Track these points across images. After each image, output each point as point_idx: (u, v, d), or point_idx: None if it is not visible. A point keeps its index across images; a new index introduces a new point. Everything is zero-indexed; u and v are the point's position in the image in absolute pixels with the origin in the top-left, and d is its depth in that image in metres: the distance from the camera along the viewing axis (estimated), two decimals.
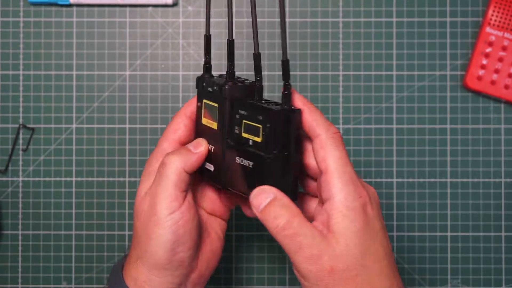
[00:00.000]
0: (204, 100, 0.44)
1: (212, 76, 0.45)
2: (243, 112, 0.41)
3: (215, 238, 0.47)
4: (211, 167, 0.44)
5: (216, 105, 0.43)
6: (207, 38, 0.44)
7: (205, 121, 0.44)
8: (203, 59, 0.47)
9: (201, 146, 0.44)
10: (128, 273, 0.44)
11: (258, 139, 0.40)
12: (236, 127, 0.42)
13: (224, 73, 0.43)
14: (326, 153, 0.40)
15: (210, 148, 0.44)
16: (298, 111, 0.41)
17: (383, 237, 0.40)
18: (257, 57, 0.40)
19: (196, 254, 0.44)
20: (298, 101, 0.41)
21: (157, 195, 0.42)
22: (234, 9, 0.57)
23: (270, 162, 0.40)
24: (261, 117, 0.40)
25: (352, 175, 0.39)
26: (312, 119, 0.41)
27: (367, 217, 0.39)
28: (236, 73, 0.43)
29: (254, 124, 0.41)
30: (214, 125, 0.44)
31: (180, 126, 0.45)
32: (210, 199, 0.48)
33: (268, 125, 0.39)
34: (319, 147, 0.40)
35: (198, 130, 0.45)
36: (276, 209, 0.39)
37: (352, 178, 0.39)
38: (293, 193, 0.41)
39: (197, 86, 0.45)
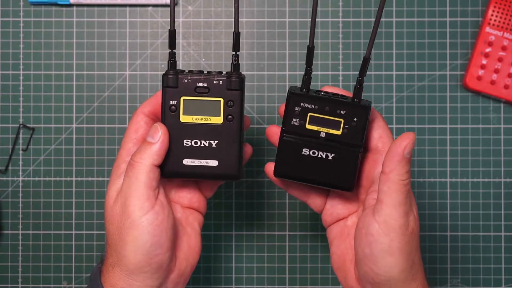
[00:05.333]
0: (184, 97, 0.44)
1: (177, 72, 0.44)
2: (309, 105, 0.43)
3: (192, 234, 0.46)
4: (212, 163, 0.44)
5: (218, 99, 0.43)
6: (172, 33, 0.43)
7: (189, 118, 0.44)
8: (203, 59, 0.47)
9: (158, 132, 0.43)
10: (107, 281, 0.43)
11: (338, 132, 0.43)
12: (295, 119, 0.43)
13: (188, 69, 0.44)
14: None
15: (208, 143, 0.44)
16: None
17: None
18: (310, 50, 0.42)
19: (174, 253, 0.44)
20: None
21: (129, 196, 0.42)
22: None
23: (359, 153, 0.43)
24: (343, 112, 0.43)
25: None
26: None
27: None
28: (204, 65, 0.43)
29: (331, 117, 0.43)
30: (212, 120, 0.44)
31: (141, 124, 0.45)
32: (189, 191, 0.47)
33: (355, 119, 0.43)
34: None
35: (176, 130, 0.44)
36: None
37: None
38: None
39: (166, 85, 0.43)
